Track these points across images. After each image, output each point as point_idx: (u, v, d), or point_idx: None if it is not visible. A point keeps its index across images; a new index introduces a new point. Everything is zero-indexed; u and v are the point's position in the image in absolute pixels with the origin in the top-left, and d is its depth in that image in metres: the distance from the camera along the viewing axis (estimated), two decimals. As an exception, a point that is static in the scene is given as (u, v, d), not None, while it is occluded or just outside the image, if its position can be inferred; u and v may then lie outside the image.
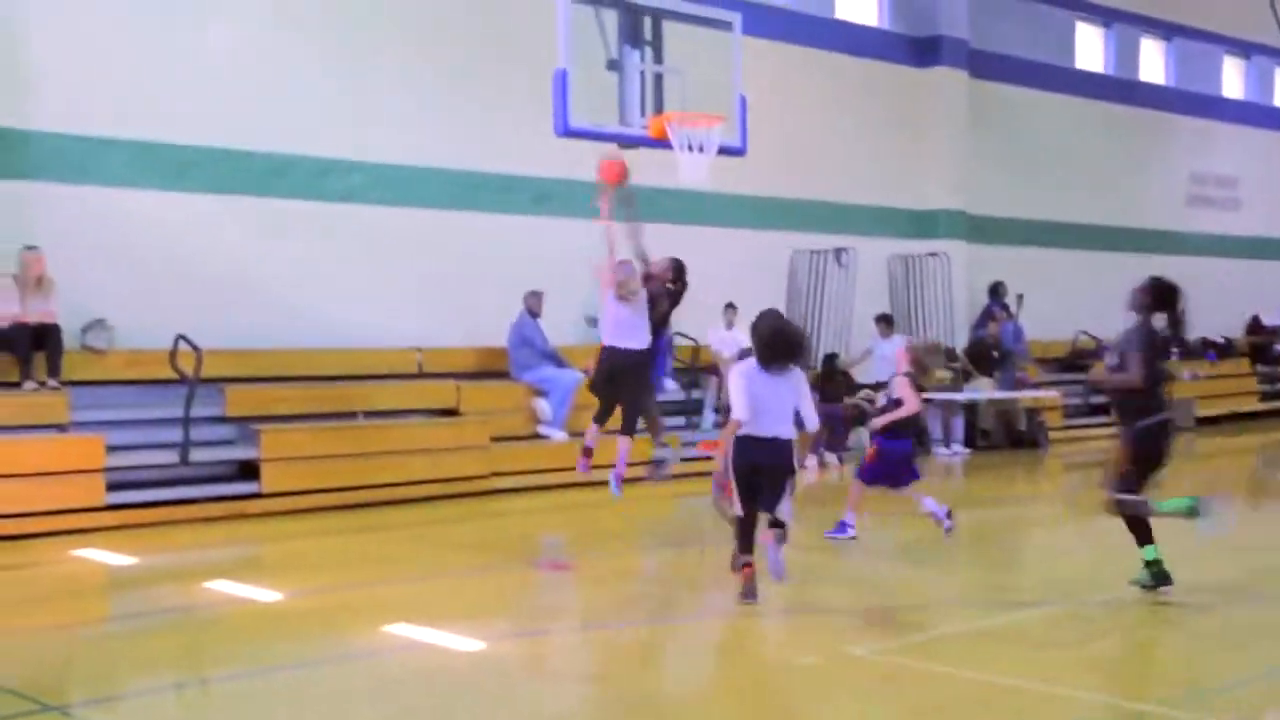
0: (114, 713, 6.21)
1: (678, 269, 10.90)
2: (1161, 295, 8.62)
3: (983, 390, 18.43)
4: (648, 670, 7.24)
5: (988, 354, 18.88)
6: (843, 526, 10.56)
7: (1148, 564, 8.31)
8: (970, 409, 18.45)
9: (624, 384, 10.42)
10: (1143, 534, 8.33)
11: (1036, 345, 20.41)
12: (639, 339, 10.42)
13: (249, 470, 12.33)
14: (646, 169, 14.97)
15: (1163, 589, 8.25)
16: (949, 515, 10.43)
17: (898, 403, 10.48)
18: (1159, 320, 8.69)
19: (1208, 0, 24.98)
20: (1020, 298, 19.82)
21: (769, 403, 7.99)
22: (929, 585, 9.24)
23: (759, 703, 6.36)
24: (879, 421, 10.53)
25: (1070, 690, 6.35)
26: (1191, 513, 8.36)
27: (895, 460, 10.47)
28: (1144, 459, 8.37)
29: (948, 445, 18.05)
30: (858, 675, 6.77)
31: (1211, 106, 25.54)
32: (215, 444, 12.56)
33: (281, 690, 6.57)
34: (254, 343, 13.28)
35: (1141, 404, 8.43)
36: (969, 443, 18.24)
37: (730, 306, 16.43)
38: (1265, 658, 7.20)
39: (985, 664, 6.84)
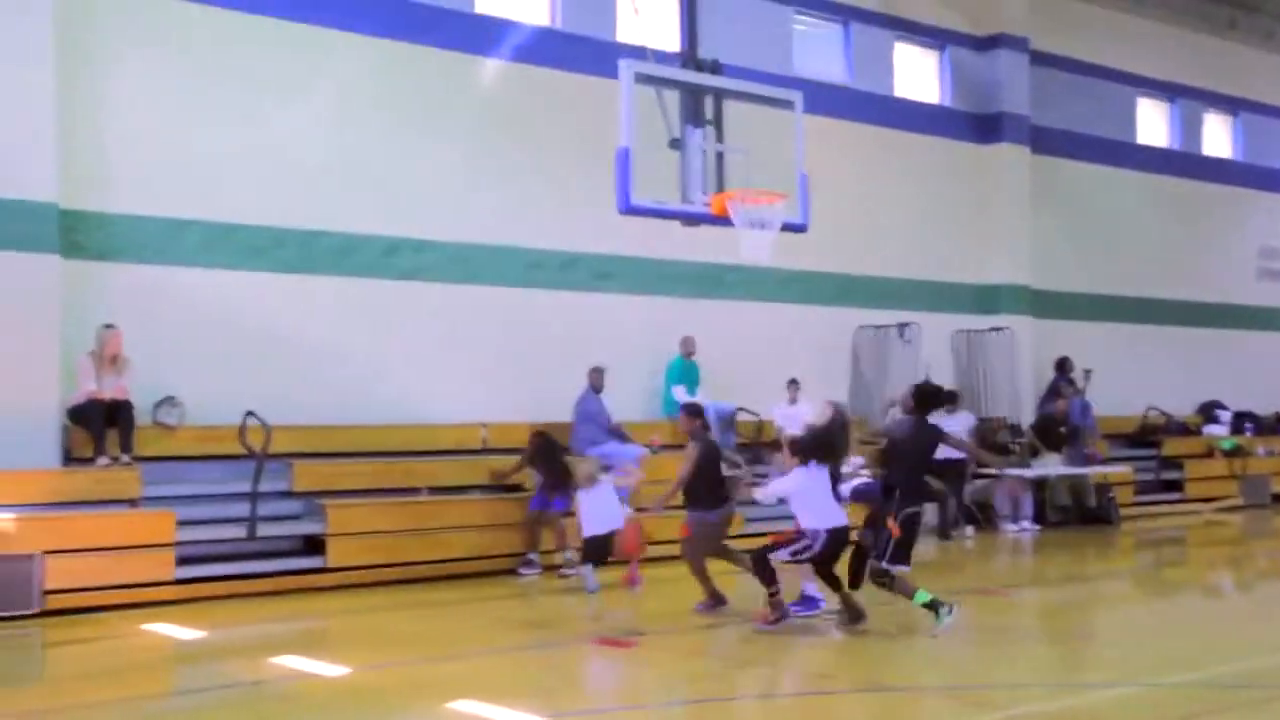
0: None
1: None
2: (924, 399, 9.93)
3: (1051, 465, 18.21)
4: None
5: (1055, 430, 18.67)
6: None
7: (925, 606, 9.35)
8: (1039, 485, 18.21)
9: None
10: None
11: (1105, 421, 20.15)
12: None
13: (315, 545, 12.42)
14: (709, 246, 15.14)
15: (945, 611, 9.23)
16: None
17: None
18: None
19: (1272, 74, 24.86)
20: (1088, 373, 19.63)
21: None
22: (1000, 664, 9.08)
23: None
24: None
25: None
26: (932, 607, 9.35)
27: None
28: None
29: (1015, 521, 17.80)
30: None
31: (1279, 179, 25.30)
32: (283, 519, 12.67)
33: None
34: (321, 418, 13.43)
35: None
36: (1038, 519, 17.99)
37: (793, 382, 16.43)
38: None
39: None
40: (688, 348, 16.08)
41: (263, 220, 13.52)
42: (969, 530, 17.10)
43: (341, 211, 14.00)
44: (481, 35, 15.17)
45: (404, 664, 8.99)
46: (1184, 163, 23.44)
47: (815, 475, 9.77)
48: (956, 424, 17.52)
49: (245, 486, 12.22)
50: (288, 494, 12.81)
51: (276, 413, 12.55)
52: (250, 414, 12.38)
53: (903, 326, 17.94)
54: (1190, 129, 23.90)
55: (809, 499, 9.75)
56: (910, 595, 9.54)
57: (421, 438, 14.07)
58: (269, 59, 13.65)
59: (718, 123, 11.45)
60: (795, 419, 14.81)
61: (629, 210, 10.84)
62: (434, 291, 14.56)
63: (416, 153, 14.51)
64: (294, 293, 13.67)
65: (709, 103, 11.37)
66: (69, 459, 12.11)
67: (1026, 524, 17.78)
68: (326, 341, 13.77)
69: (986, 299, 19.97)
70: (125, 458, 11.97)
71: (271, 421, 12.37)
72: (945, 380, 18.83)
